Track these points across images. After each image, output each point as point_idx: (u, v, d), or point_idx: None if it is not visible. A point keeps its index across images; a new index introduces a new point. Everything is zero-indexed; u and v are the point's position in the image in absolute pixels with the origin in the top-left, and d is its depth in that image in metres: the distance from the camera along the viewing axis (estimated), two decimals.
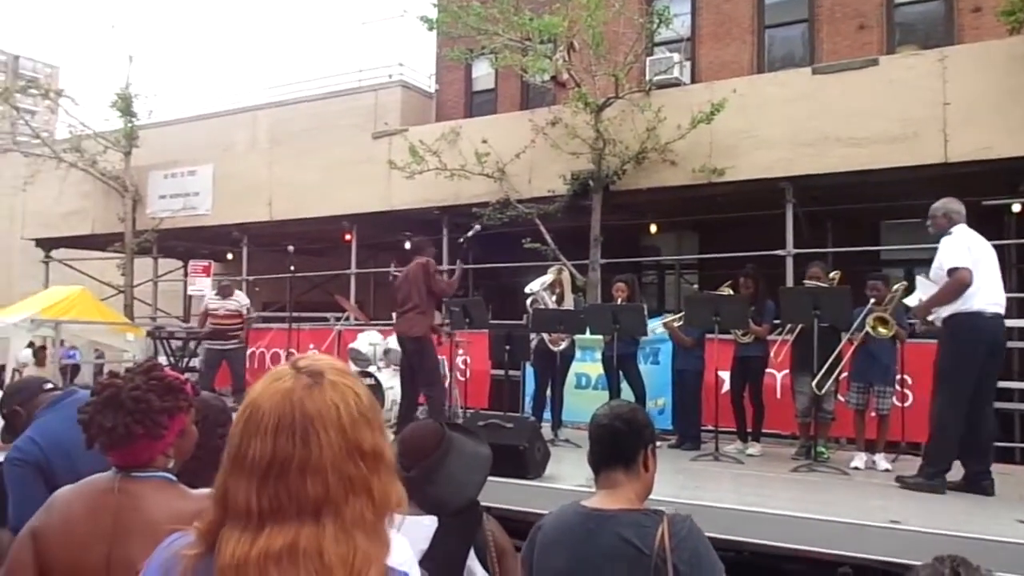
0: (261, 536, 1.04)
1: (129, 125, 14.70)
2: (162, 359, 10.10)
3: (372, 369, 8.59)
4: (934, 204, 5.49)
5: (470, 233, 8.03)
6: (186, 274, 13.95)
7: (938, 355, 5.32)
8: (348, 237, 12.69)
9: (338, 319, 11.85)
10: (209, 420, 2.03)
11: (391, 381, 8.47)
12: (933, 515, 4.57)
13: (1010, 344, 8.06)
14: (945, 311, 5.11)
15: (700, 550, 1.96)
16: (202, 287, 12.59)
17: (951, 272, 5.03)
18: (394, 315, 7.84)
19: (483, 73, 15.03)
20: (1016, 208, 8.62)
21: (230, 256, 15.22)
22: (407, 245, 13.18)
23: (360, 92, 16.67)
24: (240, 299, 9.86)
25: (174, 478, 1.78)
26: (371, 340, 9.07)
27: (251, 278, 13.74)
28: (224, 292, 9.92)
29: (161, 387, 1.80)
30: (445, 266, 11.75)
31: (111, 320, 12.74)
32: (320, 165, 12.72)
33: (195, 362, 10.36)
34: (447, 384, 7.94)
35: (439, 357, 7.63)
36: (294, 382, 1.11)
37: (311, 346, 10.74)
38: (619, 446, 2.09)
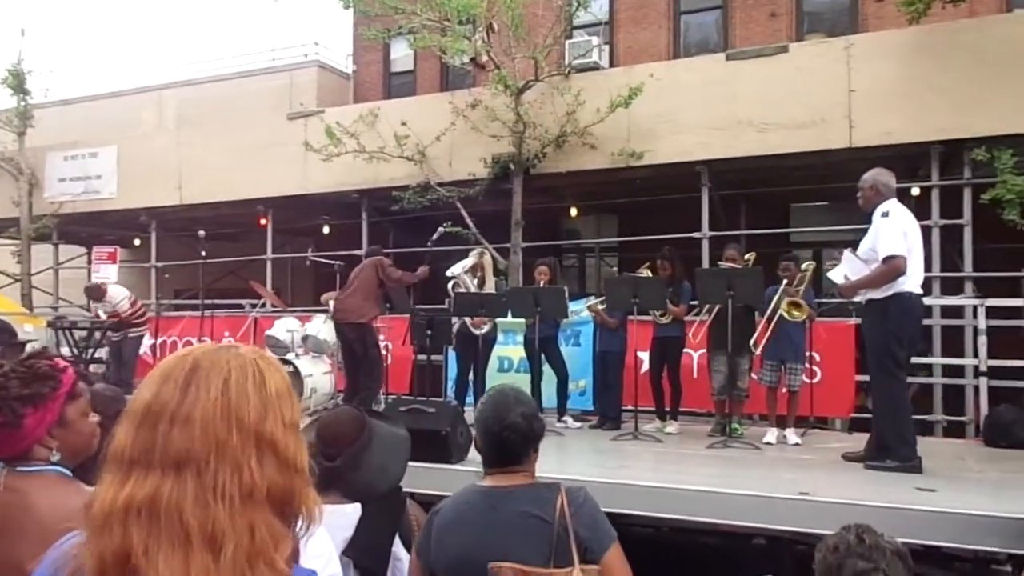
0: (127, 484, 0.98)
1: (22, 104, 13.88)
2: (65, 350, 9.62)
3: (290, 356, 8.38)
4: (863, 176, 5.45)
5: (435, 236, 7.98)
6: (90, 261, 13.30)
7: (870, 336, 5.36)
8: (263, 222, 12.35)
9: (253, 306, 11.53)
10: (97, 411, 1.91)
11: (310, 368, 8.29)
12: (840, 486, 4.77)
13: (928, 322, 8.50)
14: (878, 292, 5.16)
15: (597, 517, 2.06)
16: (107, 274, 12.02)
17: (887, 259, 5.05)
18: (331, 303, 7.75)
19: (402, 54, 14.80)
20: (915, 191, 9.03)
21: (138, 242, 14.60)
22: (325, 230, 12.96)
23: (274, 72, 16.16)
24: (113, 298, 9.48)
25: (69, 473, 1.67)
26: (288, 327, 8.84)
27: (160, 264, 13.22)
28: (92, 295, 9.57)
29: (28, 374, 1.68)
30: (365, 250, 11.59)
31: (6, 310, 12.04)
32: (232, 147, 12.30)
33: (101, 352, 9.90)
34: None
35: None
36: (208, 345, 1.07)
37: (225, 334, 10.41)
38: (512, 452, 2.13)
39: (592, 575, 1.92)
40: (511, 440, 2.11)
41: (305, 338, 8.62)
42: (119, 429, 1.03)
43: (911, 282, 5.12)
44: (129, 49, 42.01)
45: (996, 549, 4.05)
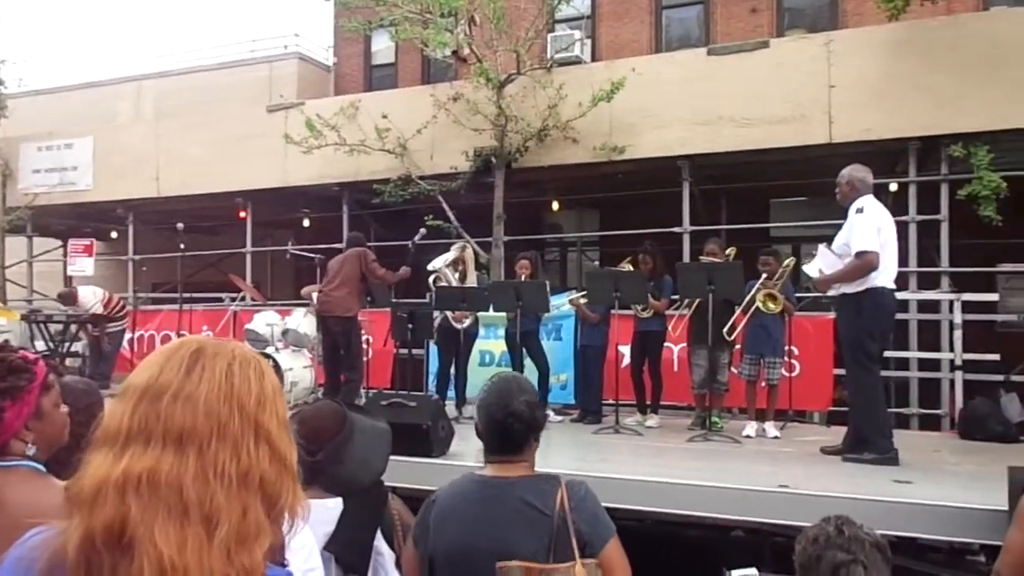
0: (124, 457, 0.98)
1: None
2: (40, 344, 9.50)
3: (270, 350, 8.32)
4: (841, 172, 5.50)
5: (416, 238, 7.90)
6: (66, 254, 13.12)
7: (844, 330, 5.43)
8: (243, 214, 12.24)
9: (233, 299, 11.44)
10: (67, 403, 1.88)
11: (291, 362, 8.25)
12: (818, 479, 4.81)
13: (904, 316, 8.61)
14: (852, 287, 5.21)
15: (597, 511, 2.05)
16: (84, 267, 11.89)
17: (860, 255, 5.10)
18: (315, 295, 7.68)
19: (383, 47, 14.71)
20: (893, 187, 9.12)
21: (114, 234, 14.42)
22: (305, 223, 12.88)
23: (253, 63, 16.00)
24: (85, 302, 9.38)
25: (41, 468, 1.65)
26: (268, 320, 8.78)
27: (138, 257, 13.08)
28: (65, 301, 9.47)
29: (2, 368, 1.66)
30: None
31: None
32: (211, 139, 12.18)
33: (77, 346, 9.79)
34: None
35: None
36: (207, 337, 1.10)
37: (204, 327, 10.33)
38: (515, 440, 2.11)
39: (592, 569, 1.91)
40: (514, 428, 2.09)
41: (285, 332, 8.57)
42: (112, 409, 1.04)
43: (884, 277, 5.18)
44: (106, 39, 41.40)
45: (970, 540, 4.12)
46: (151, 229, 13.24)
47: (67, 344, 9.66)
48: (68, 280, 13.93)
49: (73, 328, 9.70)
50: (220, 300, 11.76)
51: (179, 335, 9.01)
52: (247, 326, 8.95)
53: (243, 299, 11.17)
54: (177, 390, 1.02)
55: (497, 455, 2.13)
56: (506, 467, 2.10)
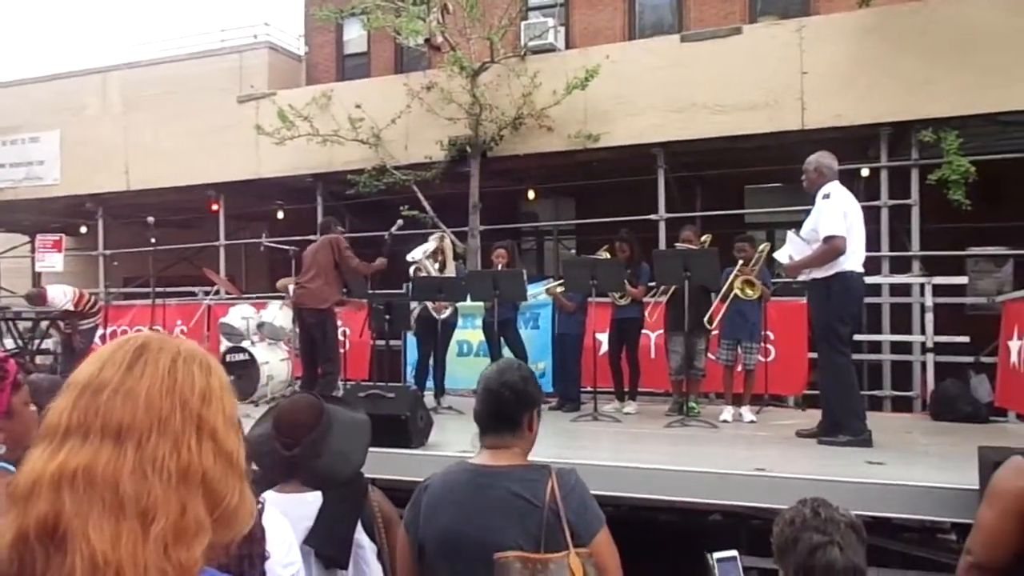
0: (61, 451, 0.96)
1: None
2: (9, 342, 9.33)
3: (246, 344, 8.25)
4: (807, 159, 5.57)
5: (393, 229, 7.81)
6: (34, 250, 12.90)
7: (815, 314, 5.50)
8: (215, 207, 12.10)
9: (207, 293, 11.31)
10: (35, 401, 1.86)
11: (267, 356, 8.18)
12: (794, 461, 4.87)
13: (877, 300, 8.74)
14: (821, 272, 5.27)
15: (587, 501, 2.04)
16: (53, 263, 11.68)
17: (828, 239, 5.17)
18: (291, 287, 7.59)
19: (355, 35, 14.56)
20: (865, 172, 9.22)
21: (84, 229, 14.19)
22: (279, 215, 12.75)
23: (223, 53, 15.76)
24: (55, 302, 9.23)
25: (11, 467, 1.62)
26: (243, 314, 8.69)
27: (108, 252, 12.90)
28: (34, 302, 9.30)
29: None
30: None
31: None
32: (181, 131, 12.01)
33: (47, 344, 9.63)
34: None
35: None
36: (155, 333, 1.07)
37: (178, 322, 10.22)
38: (506, 412, 2.11)
39: (585, 559, 1.92)
40: (506, 398, 2.09)
41: (261, 325, 8.50)
42: (55, 404, 1.02)
43: (852, 261, 5.25)
44: (71, 30, 40.61)
45: (942, 519, 4.19)
46: (121, 223, 13.04)
47: (37, 342, 9.50)
48: (37, 277, 13.71)
49: (43, 325, 9.54)
50: (194, 294, 11.63)
51: (152, 330, 8.90)
52: (222, 320, 8.86)
53: (217, 293, 11.05)
54: (118, 385, 1.00)
55: (491, 433, 2.12)
56: (498, 454, 2.09)
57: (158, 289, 9.75)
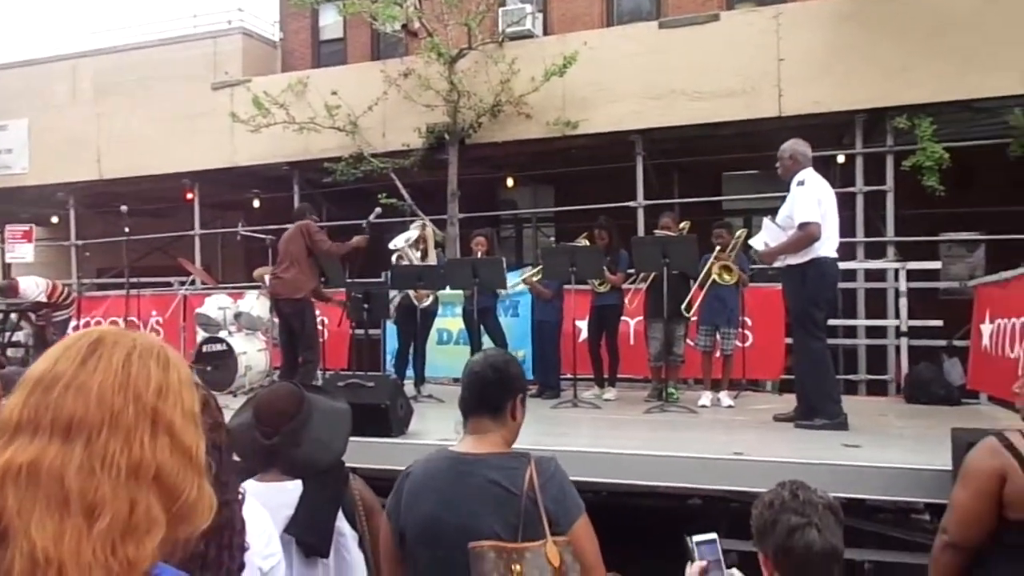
0: (9, 448, 0.95)
1: None
2: None
3: (223, 334, 8.18)
4: (782, 146, 5.62)
5: (371, 217, 7.71)
6: (3, 240, 12.67)
7: (790, 300, 5.56)
8: (190, 196, 11.96)
9: (183, 283, 11.19)
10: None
11: (244, 346, 8.11)
12: (772, 445, 4.93)
13: (852, 285, 8.84)
14: (796, 258, 5.33)
15: (566, 489, 2.04)
16: (23, 254, 11.50)
17: (803, 226, 5.22)
18: (267, 278, 7.51)
19: (331, 21, 14.39)
20: (841, 159, 9.30)
21: (55, 219, 13.96)
22: (255, 203, 12.63)
23: (196, 39, 15.50)
24: (27, 293, 9.09)
25: None
26: (220, 304, 8.61)
27: (81, 243, 12.71)
28: (5, 294, 9.16)
29: None
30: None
31: None
32: (154, 118, 11.84)
33: (19, 336, 9.48)
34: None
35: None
36: (115, 327, 1.05)
37: (153, 313, 10.11)
38: (489, 394, 2.11)
39: (563, 547, 1.92)
40: (490, 379, 2.10)
41: (238, 315, 8.42)
42: (9, 400, 1.00)
43: (827, 247, 5.31)
44: (38, 16, 39.78)
45: (916, 499, 4.27)
46: (94, 213, 12.86)
47: (8, 334, 9.35)
48: (7, 268, 13.46)
49: (14, 317, 9.39)
50: (169, 285, 11.50)
51: (127, 321, 8.80)
52: (198, 310, 8.77)
53: (193, 283, 10.93)
54: (70, 379, 0.98)
55: (473, 418, 2.12)
56: (479, 441, 2.09)
57: (132, 280, 9.62)
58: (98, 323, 10.56)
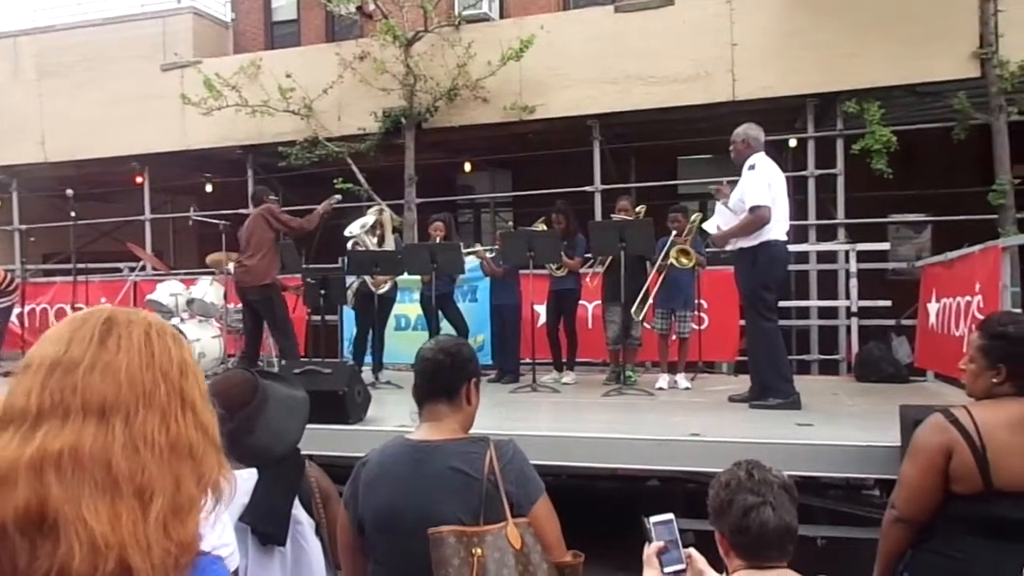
0: (37, 435, 0.91)
1: None
2: None
3: (175, 321, 8.01)
4: (735, 130, 5.71)
5: (333, 202, 7.48)
6: None
7: (742, 282, 5.64)
8: (139, 180, 11.66)
9: (132, 269, 10.93)
10: None
11: (197, 333, 7.96)
12: (727, 426, 5.01)
13: (804, 267, 9.00)
14: (746, 241, 5.43)
15: (526, 470, 2.05)
16: None
17: (753, 209, 5.32)
18: (231, 266, 7.35)
19: (284, 2, 14.14)
20: (793, 143, 9.45)
21: None
22: (208, 187, 12.37)
23: (144, 19, 15.04)
24: None
25: None
26: (172, 290, 8.43)
27: (24, 227, 12.33)
28: None
29: None
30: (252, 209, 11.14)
31: None
32: (101, 100, 11.50)
33: None
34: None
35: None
36: (116, 307, 1.05)
37: (103, 299, 9.84)
38: (443, 379, 2.10)
39: (523, 528, 1.93)
40: (443, 363, 2.09)
41: (190, 302, 8.26)
42: (16, 387, 0.96)
43: (776, 230, 5.42)
44: None
45: (866, 475, 4.38)
46: (38, 197, 12.47)
47: None
48: None
49: None
50: (118, 270, 11.22)
51: (74, 308, 8.55)
52: (149, 296, 8.58)
53: (143, 269, 10.68)
54: (93, 361, 0.96)
55: (429, 404, 2.11)
56: (436, 428, 2.08)
57: (80, 265, 9.37)
58: (43, 311, 10.27)
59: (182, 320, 8.08)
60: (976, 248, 5.93)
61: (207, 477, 1.00)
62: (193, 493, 0.97)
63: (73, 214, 8.82)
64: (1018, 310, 4.81)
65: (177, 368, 1.01)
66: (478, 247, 7.85)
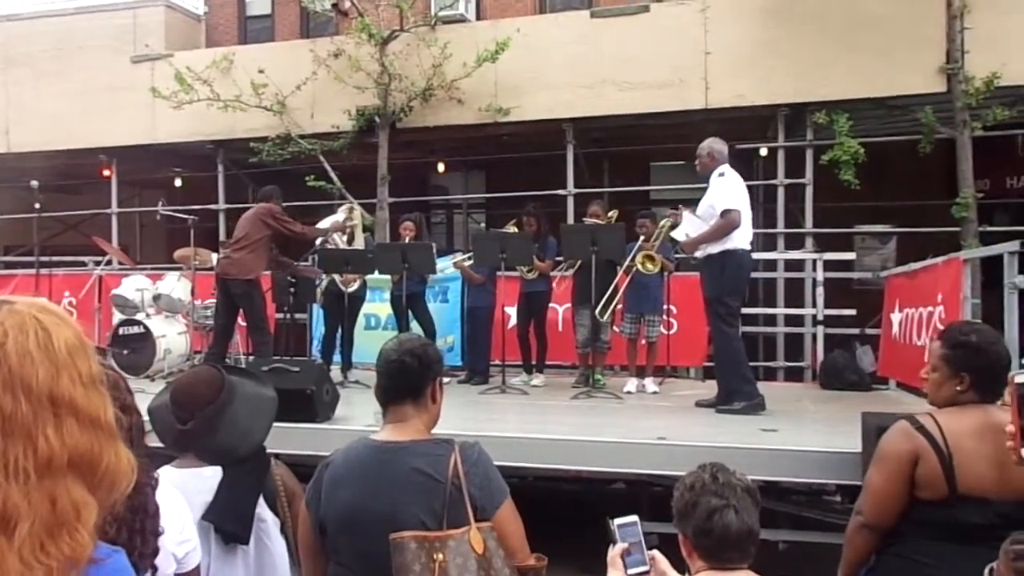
0: None
1: None
2: None
3: (140, 316, 7.89)
4: (700, 144, 5.85)
5: (343, 222, 7.44)
6: None
7: (707, 288, 5.72)
8: (107, 173, 11.47)
9: (98, 263, 10.74)
10: None
11: (164, 328, 7.86)
12: (694, 430, 5.06)
13: (772, 275, 9.10)
14: (714, 247, 5.54)
15: (490, 474, 2.04)
16: None
17: (725, 213, 5.44)
18: (215, 256, 7.23)
19: None
20: (764, 152, 9.56)
21: None
22: (177, 182, 12.21)
23: (115, 9, 14.75)
24: None
25: None
26: (138, 285, 8.29)
27: None
28: None
29: None
30: (222, 204, 11.03)
31: None
32: (69, 91, 11.30)
33: None
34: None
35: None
36: None
37: (66, 293, 9.67)
38: (408, 379, 2.09)
39: (487, 533, 1.92)
40: (408, 364, 2.06)
41: (157, 297, 8.14)
42: None
43: (742, 239, 5.55)
44: None
45: (828, 481, 4.45)
46: (1, 188, 12.20)
47: None
48: None
49: None
50: (83, 264, 11.02)
51: None
52: (114, 291, 8.44)
53: (109, 263, 10.51)
54: None
55: (393, 404, 2.09)
56: (400, 428, 2.07)
57: (43, 258, 9.18)
58: None
59: (148, 315, 7.96)
60: (939, 260, 6.05)
61: (103, 469, 0.95)
62: (79, 499, 0.91)
63: (37, 206, 8.63)
64: (978, 320, 4.91)
65: (43, 377, 0.91)
66: (459, 256, 7.84)
